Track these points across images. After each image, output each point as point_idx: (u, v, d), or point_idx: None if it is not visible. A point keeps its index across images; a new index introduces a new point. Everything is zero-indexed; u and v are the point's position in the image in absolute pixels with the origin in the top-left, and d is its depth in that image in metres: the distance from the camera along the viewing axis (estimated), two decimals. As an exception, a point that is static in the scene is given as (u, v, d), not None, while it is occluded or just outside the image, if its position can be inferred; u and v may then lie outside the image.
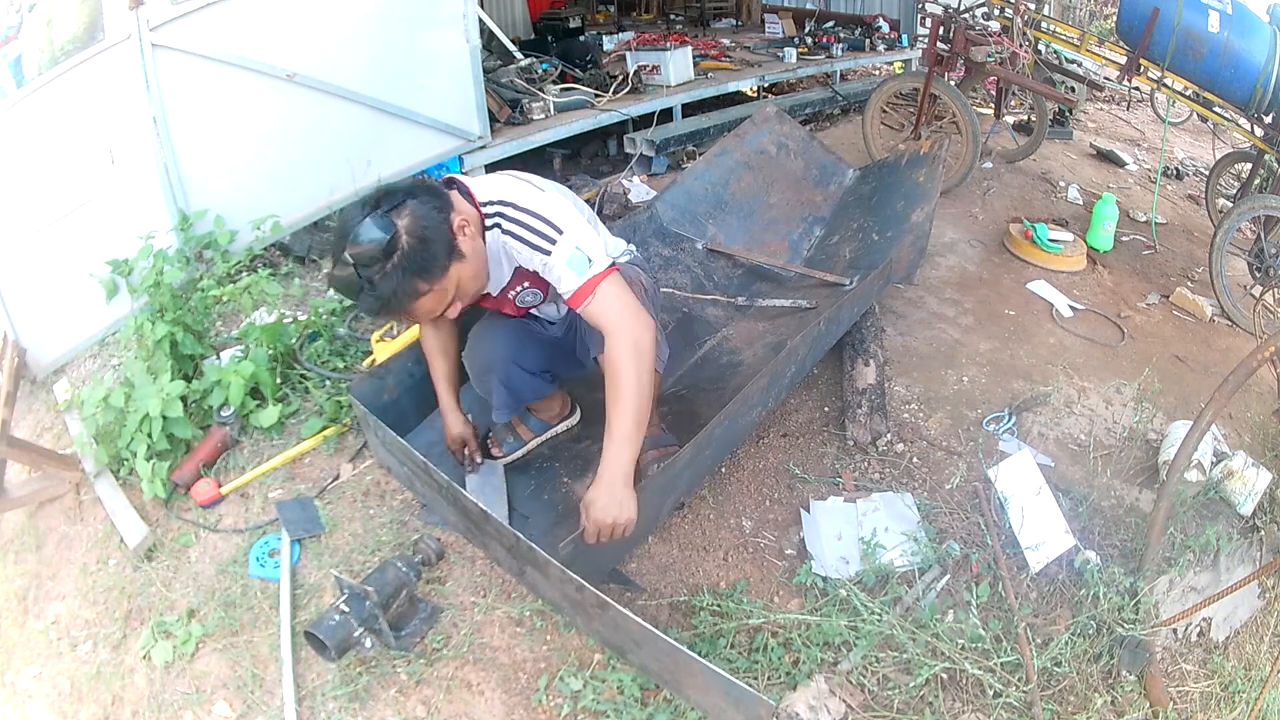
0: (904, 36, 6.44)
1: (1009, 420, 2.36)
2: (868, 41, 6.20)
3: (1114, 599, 1.75)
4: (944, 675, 1.62)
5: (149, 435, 2.03)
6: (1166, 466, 2.04)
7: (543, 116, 4.11)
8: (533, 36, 6.00)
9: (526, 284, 1.71)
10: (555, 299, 1.78)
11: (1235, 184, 4.18)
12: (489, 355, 1.85)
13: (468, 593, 1.79)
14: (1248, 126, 3.49)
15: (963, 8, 4.28)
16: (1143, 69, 3.53)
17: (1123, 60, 3.61)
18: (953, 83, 4.07)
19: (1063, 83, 4.71)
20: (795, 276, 2.82)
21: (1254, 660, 1.85)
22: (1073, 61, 5.19)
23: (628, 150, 4.42)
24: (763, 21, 7.06)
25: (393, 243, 1.37)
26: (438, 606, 1.74)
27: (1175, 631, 1.82)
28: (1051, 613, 1.79)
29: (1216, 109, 3.47)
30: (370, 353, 2.43)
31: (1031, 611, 1.77)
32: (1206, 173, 4.49)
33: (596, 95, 4.37)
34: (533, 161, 4.27)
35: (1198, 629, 1.86)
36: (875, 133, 4.23)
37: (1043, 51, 4.46)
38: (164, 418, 2.04)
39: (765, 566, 1.89)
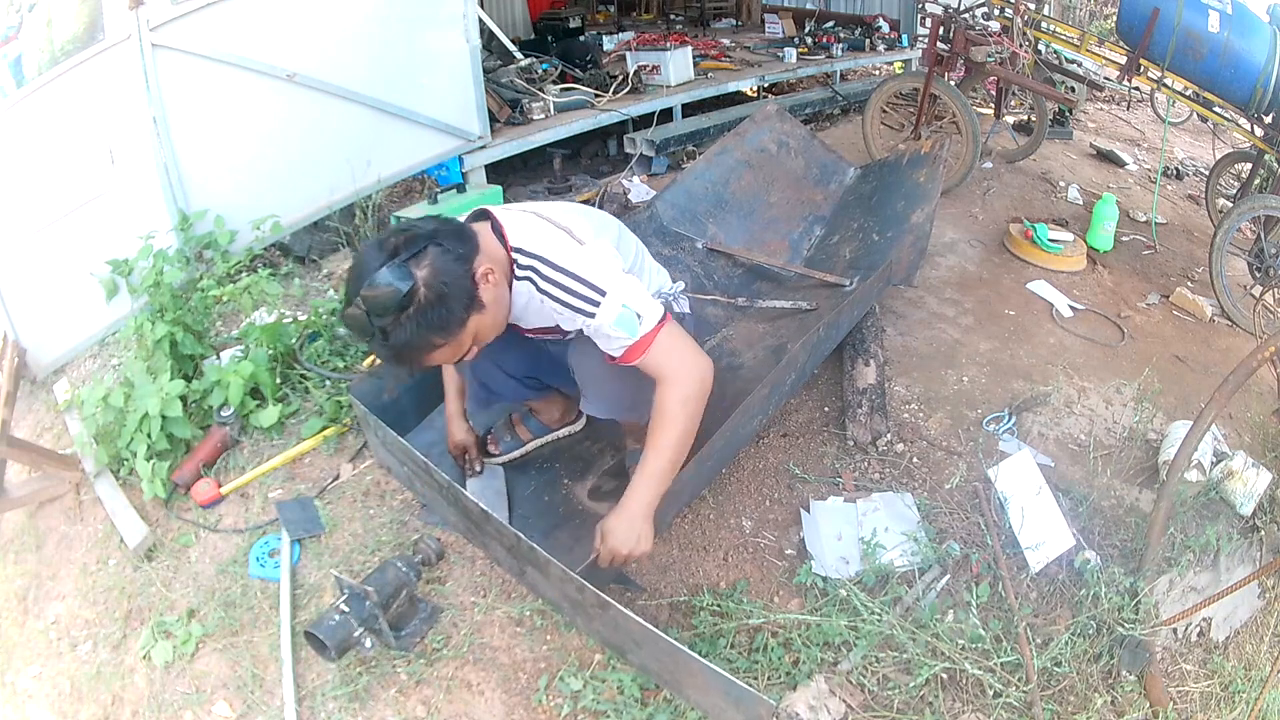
0: (904, 36, 6.44)
1: (1009, 420, 2.36)
2: (868, 41, 6.20)
3: (1114, 599, 1.75)
4: (944, 675, 1.62)
5: (149, 435, 2.03)
6: (1166, 466, 2.04)
7: (543, 116, 4.11)
8: (533, 36, 6.01)
9: (556, 336, 1.68)
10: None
11: (1235, 184, 4.18)
12: None
13: (468, 593, 1.79)
14: (1248, 126, 3.50)
15: (963, 8, 4.28)
16: (1143, 69, 3.53)
17: (1123, 60, 3.61)
18: (953, 83, 4.07)
19: (1063, 83, 4.71)
20: (795, 277, 2.82)
21: (1254, 660, 1.85)
22: (1073, 61, 5.19)
23: (628, 150, 4.43)
24: (763, 21, 7.07)
25: (409, 296, 1.31)
26: (438, 606, 1.74)
27: (1175, 631, 1.82)
28: (1051, 613, 1.79)
29: (1216, 109, 3.47)
30: (370, 353, 2.43)
31: (1031, 611, 1.77)
32: (1206, 173, 4.50)
33: (596, 95, 4.37)
34: (533, 161, 4.28)
35: (1198, 629, 1.86)
36: (875, 133, 4.24)
37: (1043, 51, 4.46)
38: (164, 417, 2.04)
39: (765, 566, 1.89)
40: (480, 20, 3.74)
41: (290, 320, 2.50)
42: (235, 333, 2.56)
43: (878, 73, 6.71)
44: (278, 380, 2.32)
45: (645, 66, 4.71)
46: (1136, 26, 3.43)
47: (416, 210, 3.16)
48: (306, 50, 3.00)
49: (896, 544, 1.87)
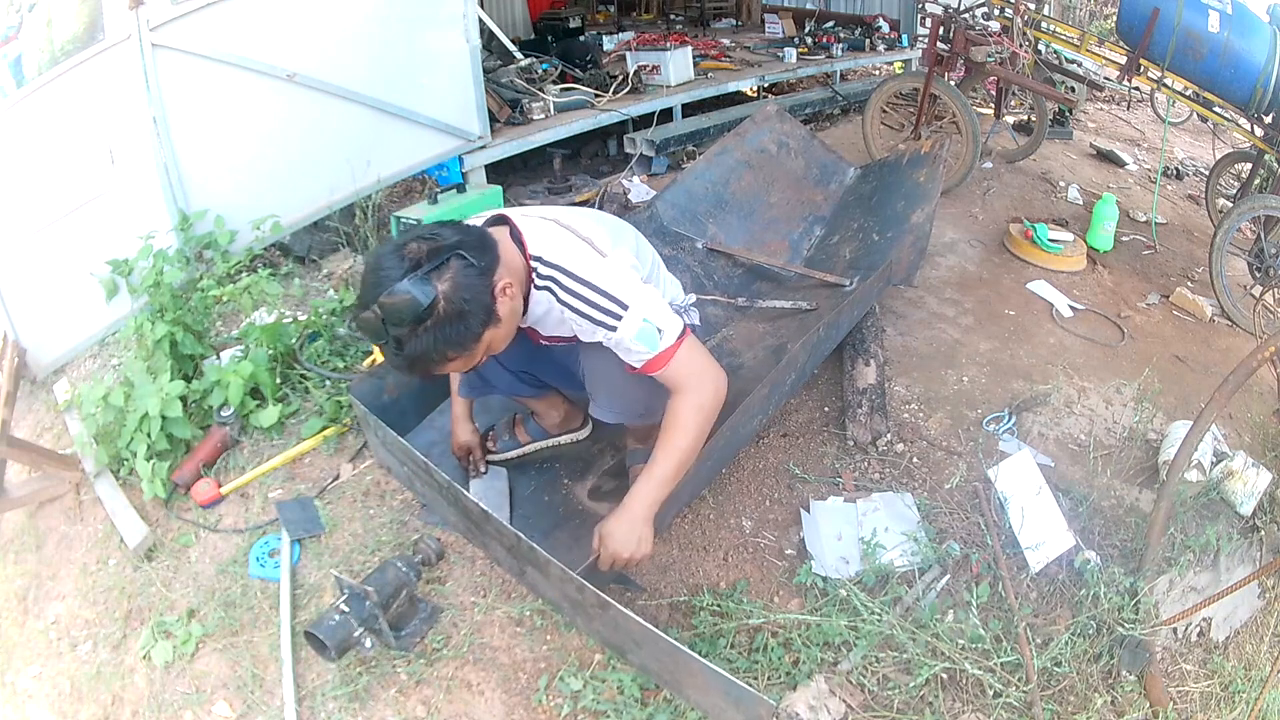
0: (904, 36, 6.44)
1: (1009, 420, 2.36)
2: (868, 41, 6.20)
3: (1114, 599, 1.75)
4: (944, 675, 1.62)
5: (149, 435, 2.03)
6: (1166, 466, 2.04)
7: (543, 116, 4.11)
8: (533, 36, 6.01)
9: (568, 342, 1.67)
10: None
11: (1235, 184, 4.18)
12: None
13: (468, 593, 1.79)
14: (1248, 126, 3.50)
15: (963, 8, 4.28)
16: (1143, 69, 3.53)
17: (1123, 60, 3.61)
18: (953, 83, 4.07)
19: (1063, 83, 4.71)
20: (795, 277, 2.82)
21: (1254, 660, 1.85)
22: (1073, 61, 5.19)
23: (628, 150, 4.43)
24: (763, 21, 7.07)
25: (429, 310, 1.29)
26: (438, 606, 1.74)
27: (1175, 631, 1.82)
28: (1051, 613, 1.79)
29: (1216, 109, 3.47)
30: (370, 353, 2.44)
31: (1031, 611, 1.77)
32: (1206, 173, 4.50)
33: (596, 95, 4.37)
34: (533, 161, 4.28)
35: (1198, 629, 1.86)
36: (875, 133, 4.24)
37: (1043, 51, 4.46)
38: (163, 417, 2.04)
39: (765, 566, 1.89)
40: (480, 20, 3.74)
41: (290, 320, 2.50)
42: (235, 333, 2.56)
43: (878, 73, 6.71)
44: (278, 380, 2.32)
45: (645, 66, 4.71)
46: (1136, 26, 3.43)
47: (417, 210, 3.16)
48: (306, 50, 3.00)
49: (896, 544, 1.87)
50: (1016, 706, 1.58)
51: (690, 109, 4.83)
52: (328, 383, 2.33)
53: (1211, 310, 3.29)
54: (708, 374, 1.51)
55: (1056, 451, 2.30)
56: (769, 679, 1.61)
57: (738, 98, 5.35)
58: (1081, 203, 4.20)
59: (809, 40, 6.04)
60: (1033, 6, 4.37)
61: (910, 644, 1.63)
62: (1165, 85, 3.54)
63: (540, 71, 4.52)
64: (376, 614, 1.55)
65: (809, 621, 1.69)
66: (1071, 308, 3.13)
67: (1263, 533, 2.10)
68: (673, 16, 8.14)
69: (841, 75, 6.01)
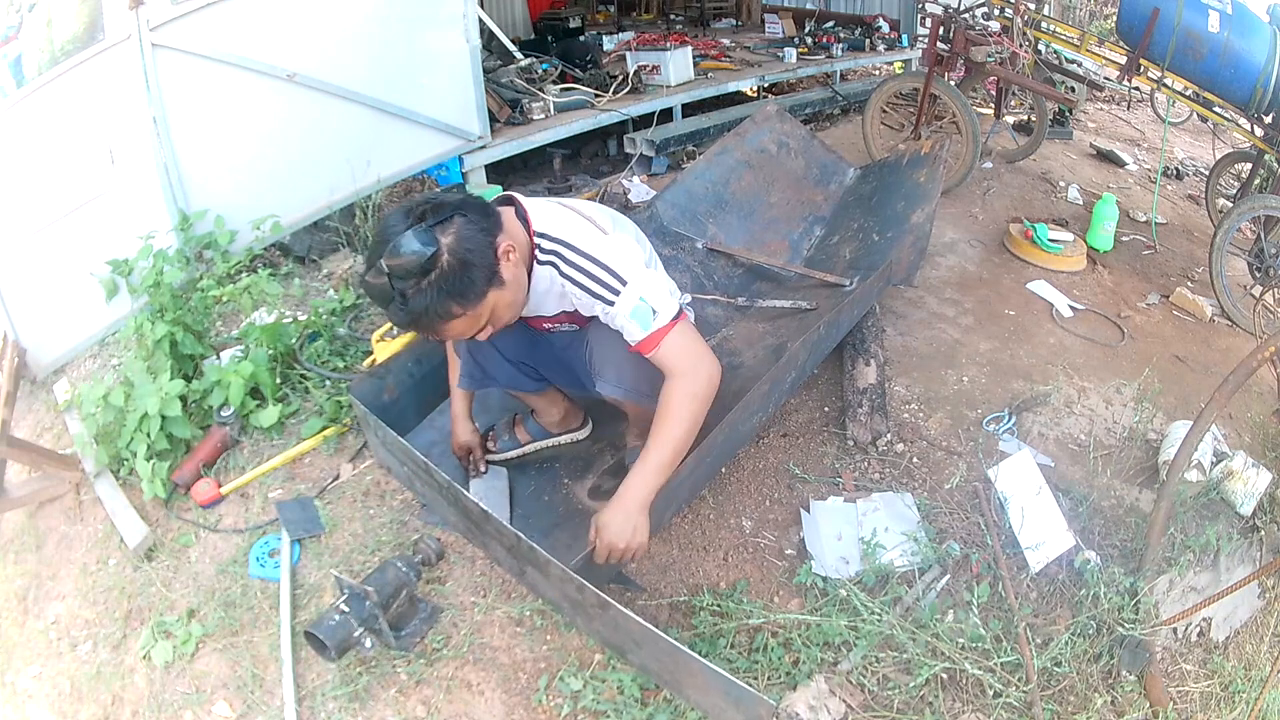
0: (904, 36, 6.44)
1: (1009, 420, 2.36)
2: (868, 41, 6.20)
3: (1114, 599, 1.75)
4: (944, 675, 1.62)
5: (149, 435, 2.03)
6: (1166, 466, 2.04)
7: (543, 116, 4.11)
8: (533, 36, 6.01)
9: (569, 323, 1.68)
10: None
11: (1235, 184, 4.18)
12: None
13: (468, 593, 1.79)
14: (1248, 126, 3.49)
15: (963, 8, 4.28)
16: (1143, 69, 3.53)
17: (1123, 60, 3.61)
18: (953, 83, 4.07)
19: (1063, 83, 4.71)
20: (795, 277, 2.82)
21: (1254, 660, 1.85)
22: (1073, 61, 5.19)
23: (628, 150, 4.43)
24: (763, 21, 7.07)
25: (433, 260, 1.31)
26: (438, 606, 1.74)
27: (1175, 631, 1.82)
28: (1051, 613, 1.79)
29: (1216, 109, 3.47)
30: (370, 353, 2.43)
31: (1031, 611, 1.77)
32: (1206, 173, 4.50)
33: (596, 95, 4.37)
34: (533, 161, 4.28)
35: (1198, 629, 1.86)
36: (875, 133, 4.24)
37: (1043, 51, 4.46)
38: (163, 417, 2.04)
39: (765, 566, 1.89)
40: (480, 20, 3.74)
41: (290, 320, 2.50)
42: (235, 333, 2.56)
43: (878, 73, 6.71)
44: (278, 380, 2.32)
45: (645, 66, 4.71)
46: (1136, 26, 3.43)
47: (416, 210, 3.15)
48: (306, 50, 3.00)
49: (896, 544, 1.87)
50: (1016, 706, 1.58)
51: (690, 109, 4.83)
52: (328, 383, 2.33)
53: (1211, 310, 3.29)
54: (702, 360, 1.51)
55: (1056, 451, 2.30)
56: (769, 679, 1.61)
57: (738, 98, 5.35)
58: (1081, 203, 4.20)
59: (809, 40, 6.04)
60: (1033, 6, 4.37)
61: (910, 644, 1.63)
62: (1165, 85, 3.54)
63: (540, 71, 4.52)
64: (376, 614, 1.55)
65: (809, 621, 1.69)
66: (1071, 308, 3.13)
67: (1263, 533, 2.10)
68: (673, 16, 8.14)
69: (841, 75, 6.01)
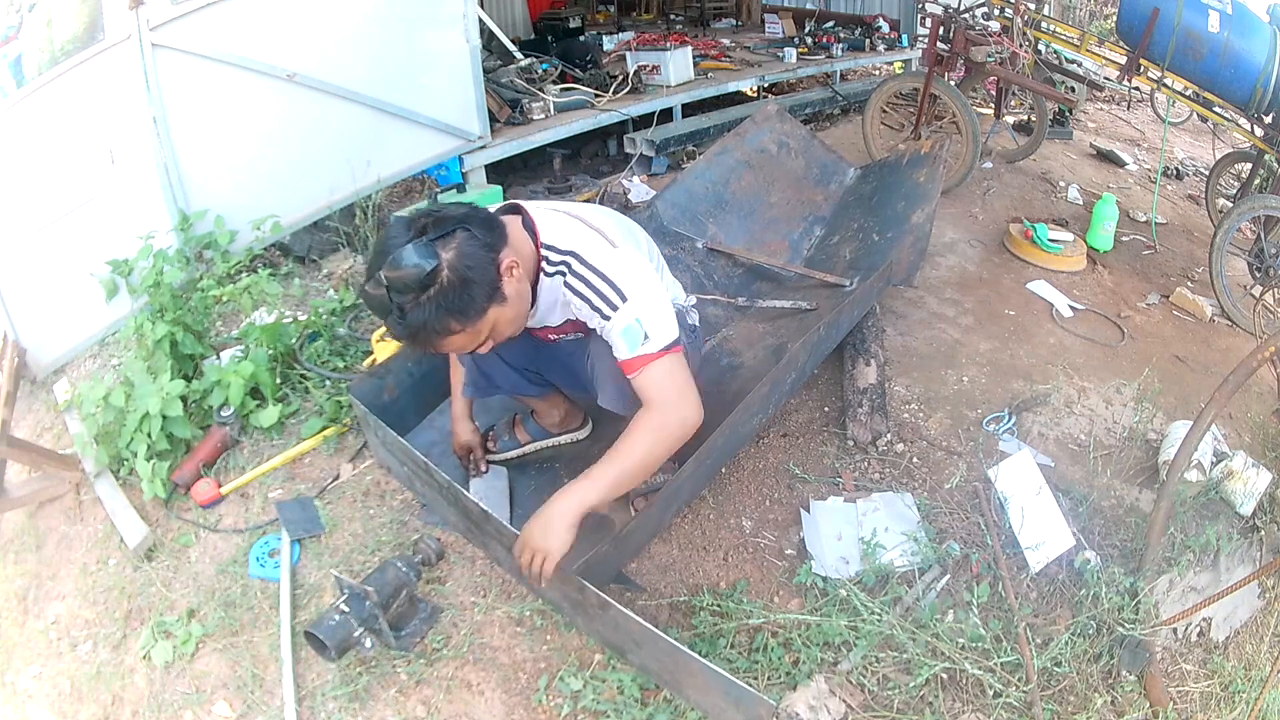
0: (904, 36, 6.44)
1: (1009, 420, 2.36)
2: (868, 41, 6.21)
3: (1114, 599, 1.75)
4: (944, 675, 1.62)
5: (149, 435, 2.03)
6: (1166, 466, 2.04)
7: (543, 116, 4.11)
8: (533, 36, 6.01)
9: (575, 332, 1.65)
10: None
11: (1235, 184, 4.18)
12: None
13: (468, 593, 1.79)
14: (1248, 126, 3.50)
15: (963, 8, 4.28)
16: (1143, 69, 3.53)
17: (1123, 60, 3.61)
18: (953, 83, 4.07)
19: (1063, 83, 4.71)
20: (795, 277, 2.82)
21: (1254, 660, 1.85)
22: (1073, 61, 5.19)
23: (628, 150, 4.43)
24: (763, 21, 7.07)
25: (432, 275, 1.28)
26: (438, 606, 1.74)
27: (1175, 631, 1.82)
28: (1051, 613, 1.79)
29: (1216, 109, 3.47)
30: (370, 353, 2.43)
31: (1031, 611, 1.77)
32: (1206, 173, 4.50)
33: (596, 95, 4.37)
34: (533, 161, 4.28)
35: (1198, 629, 1.86)
36: (875, 133, 4.24)
37: (1043, 51, 4.46)
38: (164, 417, 2.04)
39: (765, 566, 1.89)
40: (480, 20, 3.74)
41: (290, 320, 2.50)
42: (235, 333, 2.56)
43: (878, 73, 6.72)
44: (278, 380, 2.32)
45: (645, 66, 4.71)
46: (1136, 26, 3.43)
47: (416, 210, 3.15)
48: (306, 50, 3.00)
49: (896, 544, 1.87)
50: (1016, 706, 1.58)
51: (690, 109, 4.83)
52: (328, 383, 2.33)
53: (1211, 310, 3.29)
54: (683, 400, 1.46)
55: (1056, 451, 2.30)
56: (769, 679, 1.61)
57: (738, 98, 5.35)
58: (1081, 203, 4.20)
59: (809, 40, 6.04)
60: (1033, 6, 4.37)
61: (910, 644, 1.63)
62: (1165, 85, 3.54)
63: (540, 71, 4.52)
64: (376, 614, 1.55)
65: (809, 621, 1.69)
66: (1071, 308, 3.13)
67: (1263, 533, 2.10)
68: (673, 16, 8.15)
69: (841, 75, 6.01)
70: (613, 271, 1.45)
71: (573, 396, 2.05)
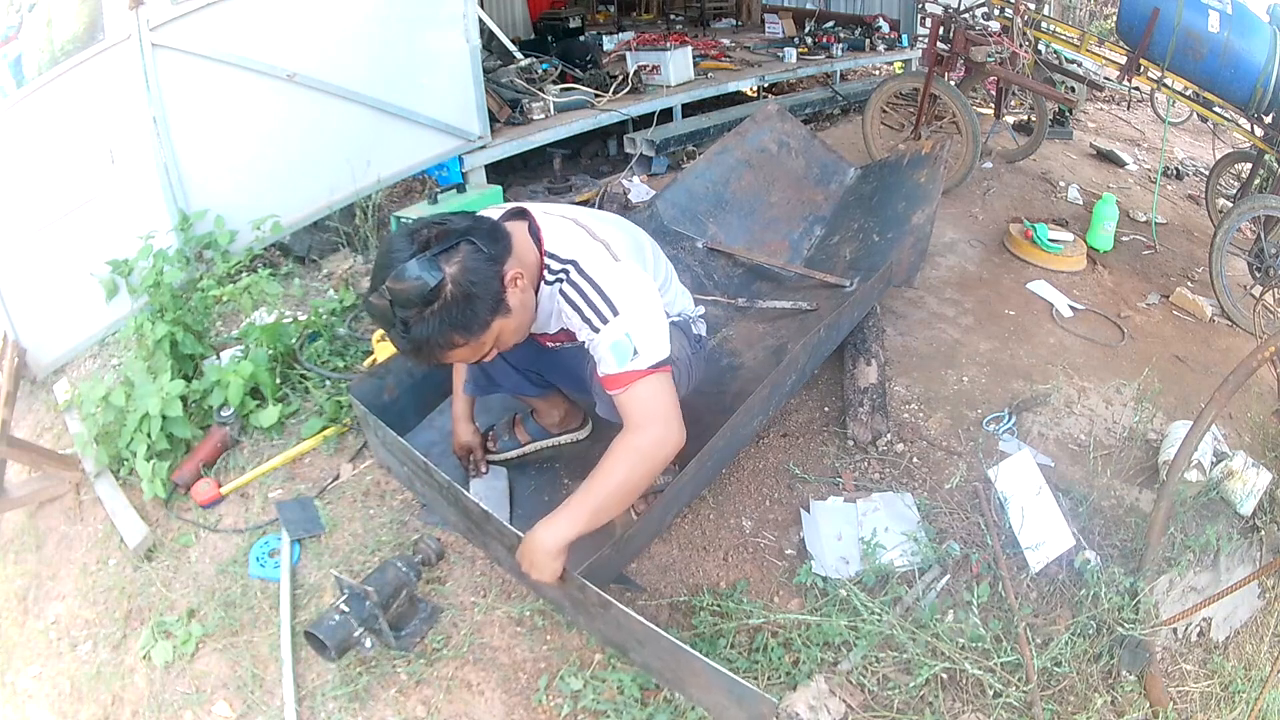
0: (904, 36, 6.44)
1: (1009, 420, 2.36)
2: (868, 41, 6.20)
3: (1114, 599, 1.75)
4: (944, 675, 1.62)
5: (149, 435, 2.03)
6: (1166, 466, 2.04)
7: (543, 116, 4.11)
8: (533, 36, 6.01)
9: (569, 341, 1.63)
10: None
11: (1235, 184, 4.18)
12: None
13: (468, 593, 1.79)
14: (1248, 126, 3.50)
15: (963, 8, 4.28)
16: (1143, 69, 3.53)
17: (1123, 60, 3.61)
18: (953, 83, 4.07)
19: (1063, 83, 4.71)
20: (795, 277, 2.82)
21: (1254, 660, 1.85)
22: (1073, 61, 5.19)
23: (628, 150, 4.43)
24: (763, 21, 7.07)
25: (435, 291, 1.27)
26: (438, 606, 1.74)
27: (1175, 631, 1.82)
28: (1051, 613, 1.79)
29: (1216, 109, 3.47)
30: (370, 353, 2.44)
31: (1031, 611, 1.77)
32: (1206, 173, 4.50)
33: (596, 95, 4.37)
34: (533, 161, 4.28)
35: (1198, 629, 1.86)
36: (875, 133, 4.24)
37: (1043, 51, 4.46)
38: (164, 417, 2.04)
39: (765, 566, 1.89)
40: (480, 20, 3.74)
41: (290, 320, 2.50)
42: (235, 333, 2.56)
43: (878, 73, 6.71)
44: (278, 380, 2.32)
45: (645, 66, 4.71)
46: (1136, 26, 3.43)
47: (417, 210, 3.16)
48: (306, 50, 3.00)
49: (896, 544, 1.87)
50: (1016, 706, 1.58)
51: (690, 109, 4.83)
52: (328, 383, 2.33)
53: (1211, 310, 3.30)
54: (668, 422, 1.41)
55: (1056, 451, 2.30)
56: (769, 679, 1.61)
57: (738, 98, 5.35)
58: (1081, 203, 4.20)
59: (809, 40, 6.04)
60: (1033, 6, 4.37)
61: (910, 644, 1.63)
62: (1165, 85, 3.54)
63: (540, 71, 4.52)
64: (376, 614, 1.55)
65: (809, 621, 1.69)
66: (1071, 308, 3.13)
67: (1263, 533, 2.10)
68: (673, 16, 8.15)
69: (841, 75, 6.01)
70: (609, 284, 1.43)
71: (574, 398, 2.05)
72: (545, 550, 1.38)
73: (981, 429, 2.33)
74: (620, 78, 4.54)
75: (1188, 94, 3.57)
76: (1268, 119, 3.34)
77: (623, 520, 1.83)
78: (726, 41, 6.36)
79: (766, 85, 5.67)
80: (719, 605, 1.73)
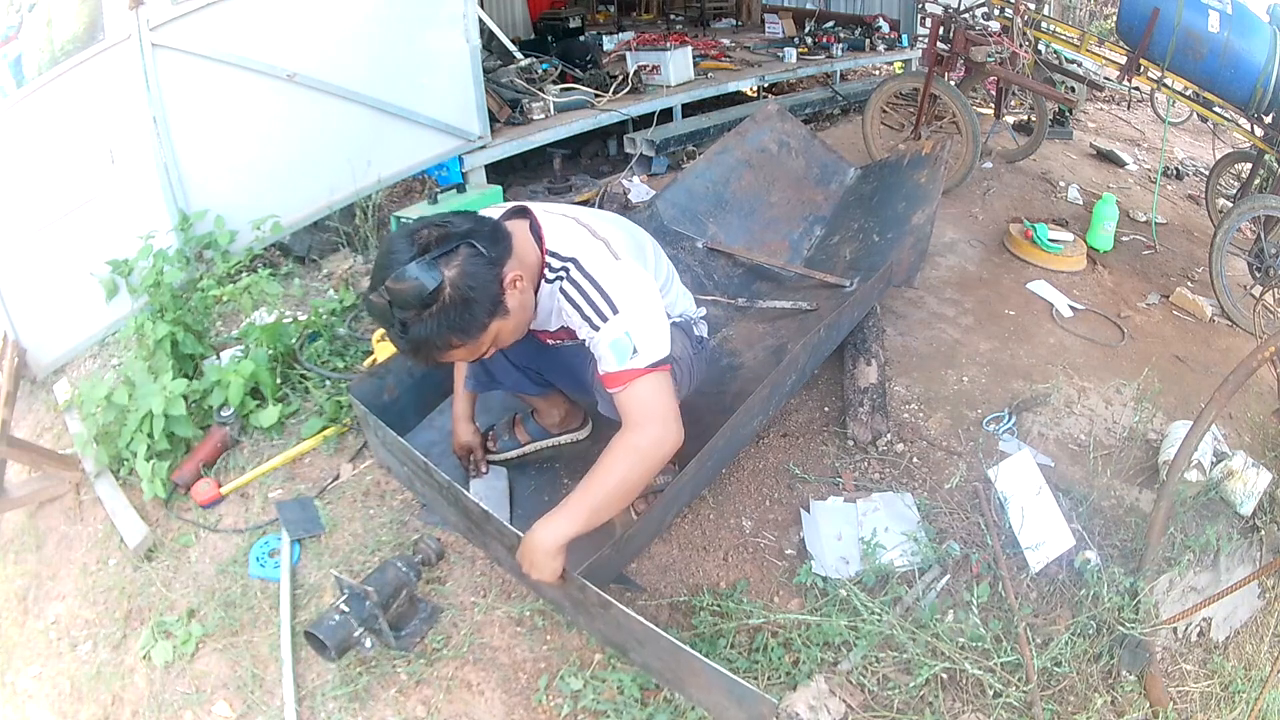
0: (904, 36, 6.44)
1: (1009, 420, 2.36)
2: (868, 41, 6.20)
3: (1114, 599, 1.75)
4: (944, 675, 1.62)
5: (149, 435, 2.03)
6: (1166, 466, 2.04)
7: (543, 116, 4.11)
8: (533, 36, 6.01)
9: (569, 339, 1.64)
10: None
11: (1235, 184, 4.18)
12: None
13: (468, 593, 1.79)
14: (1248, 126, 3.50)
15: (963, 8, 4.28)
16: (1143, 69, 3.53)
17: (1123, 60, 3.61)
18: (953, 83, 4.07)
19: (1063, 83, 4.71)
20: (796, 277, 2.82)
21: (1254, 660, 1.85)
22: (1073, 61, 5.19)
23: (628, 150, 4.43)
24: (763, 21, 7.07)
25: (434, 294, 1.28)
26: (438, 606, 1.74)
27: (1175, 631, 1.82)
28: (1051, 613, 1.79)
29: (1216, 109, 3.47)
30: (370, 352, 2.44)
31: (1031, 611, 1.77)
32: (1206, 173, 4.50)
33: (596, 95, 4.37)
34: (533, 161, 4.28)
35: (1198, 629, 1.86)
36: (875, 133, 4.24)
37: (1043, 51, 4.46)
38: (166, 416, 2.04)
39: (765, 566, 1.89)
40: (480, 20, 3.74)
41: (290, 320, 2.50)
42: (235, 333, 2.56)
43: (878, 73, 6.71)
44: (278, 380, 2.32)
45: (645, 66, 4.71)
46: (1136, 26, 3.43)
47: (417, 210, 3.16)
48: (306, 50, 3.00)
49: (896, 544, 1.87)
50: (1016, 706, 1.58)
51: (690, 109, 4.83)
52: (328, 383, 2.33)
53: (1211, 310, 3.30)
54: (666, 422, 1.42)
55: (1056, 451, 2.30)
56: (769, 679, 1.61)
57: (738, 98, 5.35)
58: (1081, 203, 4.20)
59: (809, 40, 6.04)
60: (1033, 6, 4.37)
61: (910, 644, 1.63)
62: (1165, 85, 3.54)
63: (540, 71, 4.52)
64: (376, 614, 1.55)
65: (809, 621, 1.69)
66: (1071, 308, 3.13)
67: (1263, 533, 2.10)
68: (673, 16, 8.14)
69: (841, 75, 6.01)
70: (609, 282, 1.43)
71: (574, 397, 2.05)
72: (544, 550, 1.39)
73: (981, 429, 2.33)
74: (620, 78, 4.54)
75: (1188, 94, 3.57)
76: (1268, 119, 3.34)
77: (623, 520, 1.83)
78: (726, 41, 6.36)
79: (766, 85, 5.67)
80: (719, 605, 1.73)
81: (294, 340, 2.44)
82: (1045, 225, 3.52)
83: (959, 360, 2.66)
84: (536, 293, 1.50)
